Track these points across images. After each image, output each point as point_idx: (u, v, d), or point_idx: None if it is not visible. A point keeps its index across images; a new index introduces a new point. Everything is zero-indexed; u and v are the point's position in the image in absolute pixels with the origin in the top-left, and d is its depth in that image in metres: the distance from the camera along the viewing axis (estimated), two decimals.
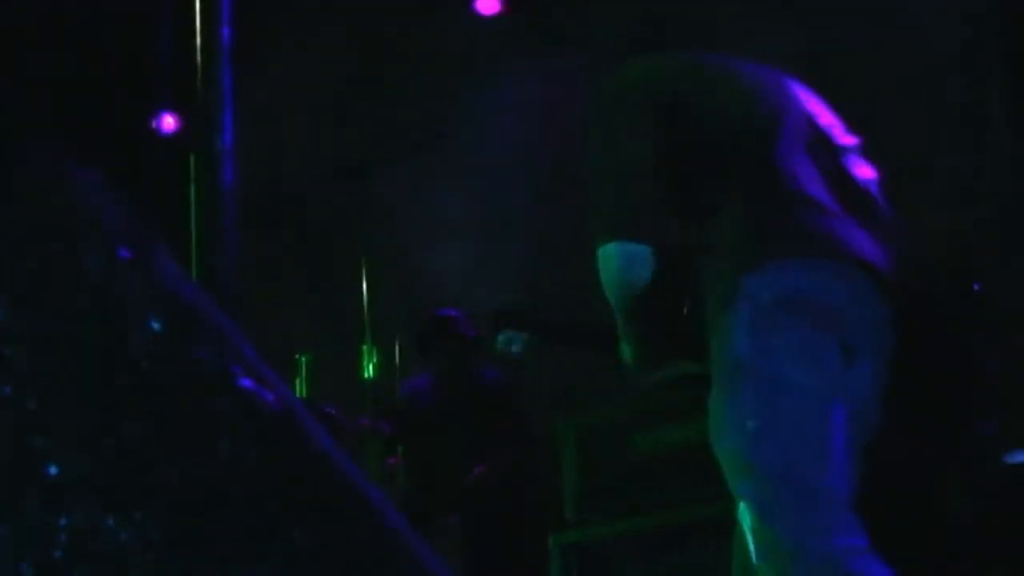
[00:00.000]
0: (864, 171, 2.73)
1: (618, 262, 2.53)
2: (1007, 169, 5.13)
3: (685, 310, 2.83)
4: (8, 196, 0.83)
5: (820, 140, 2.69)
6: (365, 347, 5.40)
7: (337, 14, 7.16)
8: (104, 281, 0.82)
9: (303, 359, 5.43)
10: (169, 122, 6.57)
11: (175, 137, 6.30)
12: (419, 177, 6.70)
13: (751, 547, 2.36)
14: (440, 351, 5.51)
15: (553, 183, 6.58)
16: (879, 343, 2.43)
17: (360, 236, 5.29)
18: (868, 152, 2.84)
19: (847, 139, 2.76)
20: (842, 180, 2.64)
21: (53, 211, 0.84)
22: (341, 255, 5.84)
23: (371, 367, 5.48)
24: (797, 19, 5.70)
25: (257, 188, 5.20)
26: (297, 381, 5.42)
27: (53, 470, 0.83)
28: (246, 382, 0.89)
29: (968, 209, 5.19)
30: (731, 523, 2.62)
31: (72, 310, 0.81)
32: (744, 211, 2.52)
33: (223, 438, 0.87)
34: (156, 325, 0.84)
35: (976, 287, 2.71)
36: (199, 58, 2.29)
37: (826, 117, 2.77)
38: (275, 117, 6.74)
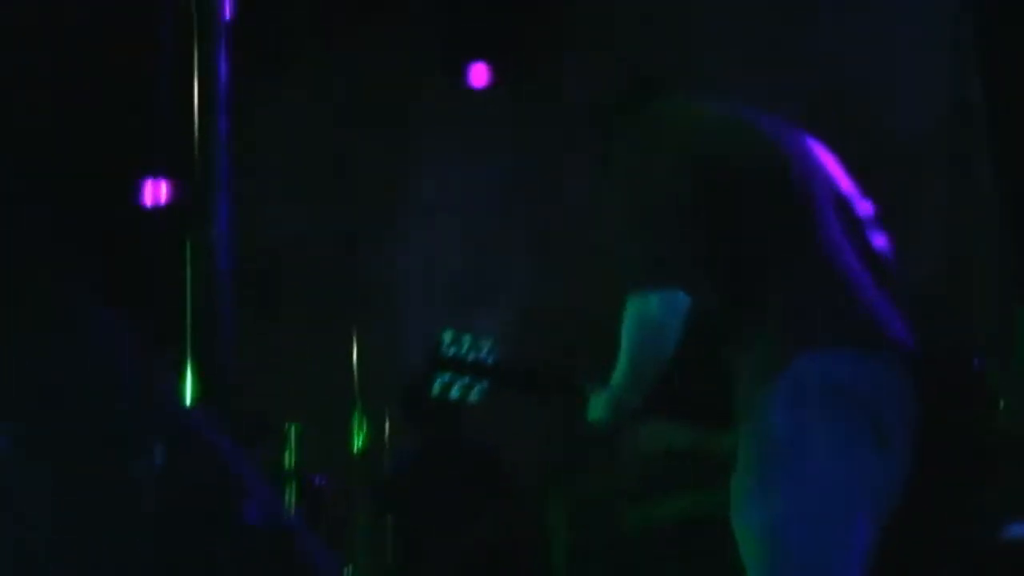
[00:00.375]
0: (881, 241, 2.73)
1: (659, 310, 2.47)
2: (993, 216, 5.16)
3: (675, 382, 2.79)
4: (14, 326, 0.83)
5: (845, 209, 2.69)
6: (355, 416, 5.38)
7: (329, 80, 7.21)
8: (107, 409, 0.82)
9: (292, 428, 5.40)
10: (162, 191, 6.57)
11: (170, 210, 6.31)
12: (410, 244, 6.73)
13: None
14: (426, 414, 5.52)
15: (542, 248, 6.60)
16: (908, 429, 2.45)
17: (351, 304, 5.29)
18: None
19: (865, 207, 2.76)
20: (868, 252, 2.64)
21: (57, 338, 0.84)
22: (332, 324, 5.83)
23: (361, 437, 5.46)
24: (780, 63, 5.74)
25: (248, 254, 5.21)
26: (286, 451, 5.39)
27: None
28: (247, 509, 0.88)
29: (953, 250, 5.22)
30: None
31: (74, 439, 0.80)
32: (790, 285, 2.49)
33: (225, 564, 0.87)
34: (160, 453, 0.83)
35: (976, 363, 2.73)
36: (196, 145, 2.31)
37: (846, 182, 2.76)
38: (267, 183, 6.76)
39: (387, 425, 5.59)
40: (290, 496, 5.08)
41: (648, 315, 2.49)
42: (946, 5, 5.28)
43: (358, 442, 5.41)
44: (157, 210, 6.44)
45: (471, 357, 2.92)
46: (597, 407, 2.73)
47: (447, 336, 2.92)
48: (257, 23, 2.52)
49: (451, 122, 6.75)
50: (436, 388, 2.90)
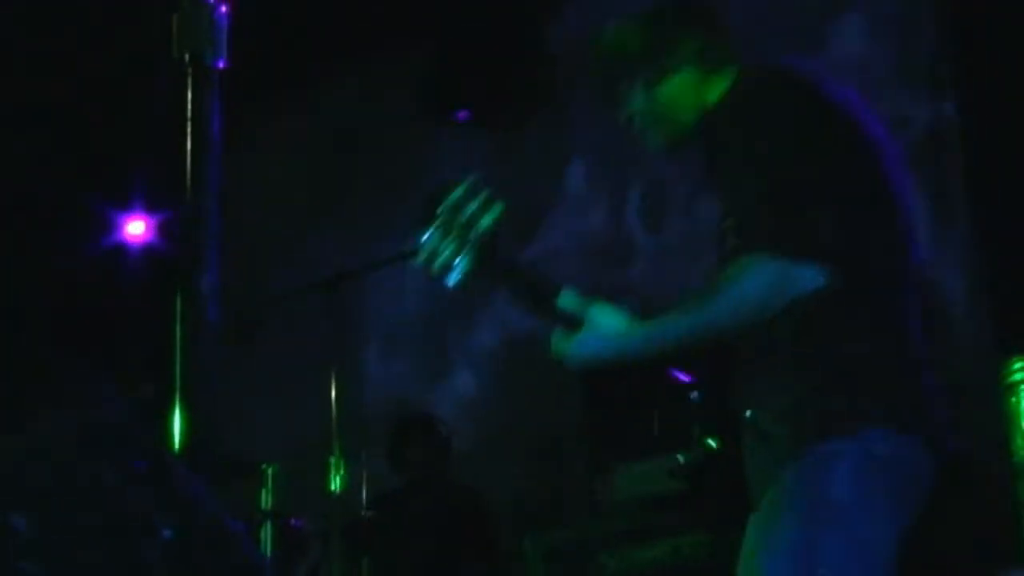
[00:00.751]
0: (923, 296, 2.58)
1: (794, 284, 2.22)
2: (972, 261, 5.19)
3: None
4: (29, 413, 0.83)
5: (914, 255, 2.51)
6: (333, 458, 5.36)
7: (311, 122, 7.23)
8: (120, 492, 0.82)
9: (269, 469, 5.38)
10: (148, 230, 6.56)
11: (158, 256, 6.30)
12: (392, 286, 6.73)
13: None
14: (415, 452, 5.52)
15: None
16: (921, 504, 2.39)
17: (331, 345, 5.28)
18: None
19: (919, 251, 2.55)
20: (924, 315, 2.50)
21: (73, 426, 0.84)
22: (311, 364, 5.83)
23: (338, 478, 5.43)
24: None
25: (228, 294, 5.19)
26: (263, 491, 5.36)
27: None
28: None
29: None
30: None
31: (89, 521, 0.80)
32: (880, 332, 2.32)
33: None
34: (168, 532, 0.83)
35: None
36: (188, 195, 2.30)
37: (912, 215, 2.53)
38: (247, 223, 6.76)
39: (365, 467, 5.58)
40: (267, 537, 5.06)
41: (780, 283, 2.22)
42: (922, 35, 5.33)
43: (335, 483, 5.39)
44: (143, 249, 6.44)
45: (466, 222, 2.43)
46: (603, 340, 2.40)
47: (465, 183, 2.47)
48: (238, 67, 2.51)
49: (435, 166, 6.78)
50: (422, 253, 2.42)
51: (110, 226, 6.52)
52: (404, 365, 6.84)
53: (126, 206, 6.62)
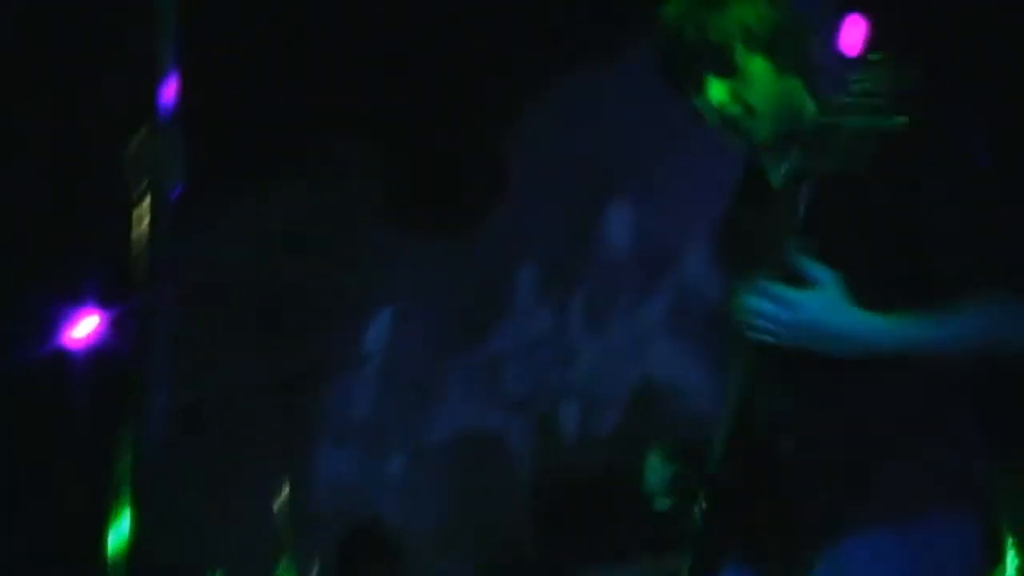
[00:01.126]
0: None
1: None
2: None
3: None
4: None
5: None
6: (282, 564, 5.32)
7: (266, 221, 7.25)
8: None
9: (216, 575, 5.33)
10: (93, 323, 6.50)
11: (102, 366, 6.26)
12: (345, 388, 6.73)
13: None
14: (363, 568, 5.49)
15: (476, 391, 6.64)
16: None
17: (282, 448, 5.27)
18: None
19: None
20: None
21: None
22: (261, 466, 5.81)
23: None
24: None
25: (180, 396, 5.17)
26: None
27: None
28: None
29: None
30: None
31: None
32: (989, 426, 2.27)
33: None
34: None
35: None
36: (141, 317, 2.35)
37: None
38: (198, 324, 6.75)
39: (315, 571, 5.53)
40: None
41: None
42: None
43: None
44: (90, 353, 6.40)
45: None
46: (847, 313, 2.09)
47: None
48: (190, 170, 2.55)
49: (384, 269, 6.83)
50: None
51: (57, 326, 6.49)
52: (356, 464, 6.83)
53: (75, 304, 6.59)
